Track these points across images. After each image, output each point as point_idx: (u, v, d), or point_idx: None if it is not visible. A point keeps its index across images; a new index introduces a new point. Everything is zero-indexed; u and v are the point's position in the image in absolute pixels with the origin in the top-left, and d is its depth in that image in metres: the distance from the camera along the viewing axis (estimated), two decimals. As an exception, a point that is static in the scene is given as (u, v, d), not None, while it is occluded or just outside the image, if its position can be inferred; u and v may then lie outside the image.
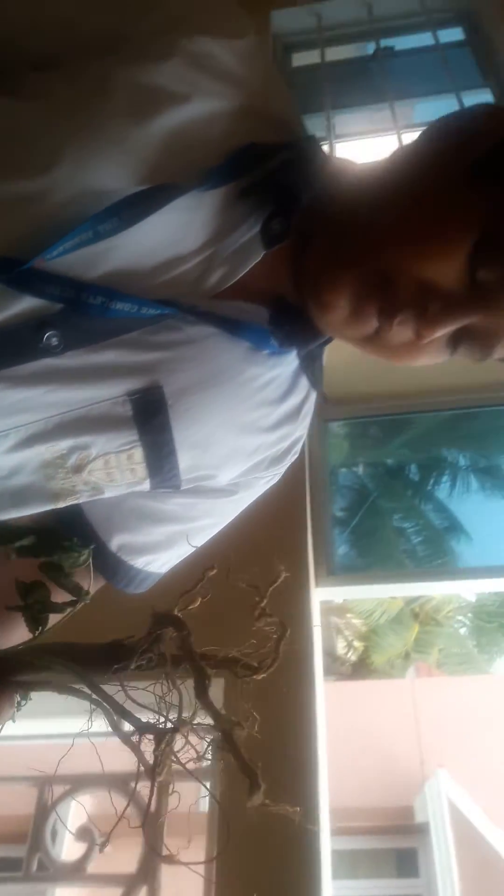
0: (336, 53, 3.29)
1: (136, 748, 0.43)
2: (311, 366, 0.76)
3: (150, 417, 0.64)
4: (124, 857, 1.61)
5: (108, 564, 0.77)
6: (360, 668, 11.34)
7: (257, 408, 0.72)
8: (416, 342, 0.59)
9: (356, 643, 11.80)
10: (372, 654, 10.96)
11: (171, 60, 0.59)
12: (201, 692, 0.45)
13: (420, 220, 0.57)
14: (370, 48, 3.26)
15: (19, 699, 0.52)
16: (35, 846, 1.57)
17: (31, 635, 0.57)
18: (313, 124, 3.12)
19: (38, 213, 0.56)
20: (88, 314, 0.58)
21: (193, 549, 0.81)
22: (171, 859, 0.41)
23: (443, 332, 0.58)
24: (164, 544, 0.79)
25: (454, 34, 3.16)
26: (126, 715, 0.45)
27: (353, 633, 11.93)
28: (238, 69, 0.62)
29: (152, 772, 0.43)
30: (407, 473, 9.81)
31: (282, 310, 0.68)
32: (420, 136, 0.65)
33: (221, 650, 0.49)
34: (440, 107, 3.04)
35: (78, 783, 1.66)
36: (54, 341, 0.58)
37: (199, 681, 0.46)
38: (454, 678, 10.43)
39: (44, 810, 1.62)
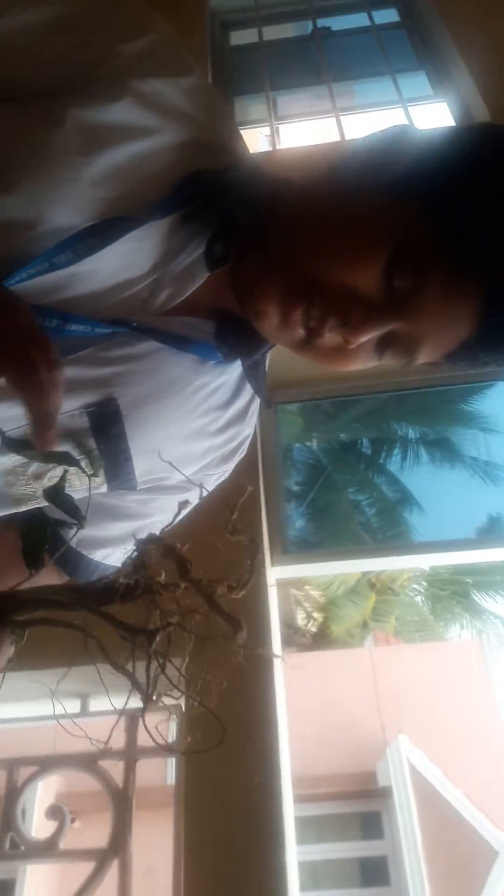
0: (274, 32, 3.29)
1: (131, 676, 0.47)
2: (254, 373, 0.80)
3: (106, 428, 0.68)
4: (94, 833, 1.66)
5: (68, 558, 0.81)
6: (320, 639, 11.55)
7: (206, 414, 0.77)
8: (344, 347, 0.63)
9: (315, 614, 12.00)
10: (331, 624, 11.17)
11: (121, 101, 0.62)
12: (184, 573, 0.49)
13: (341, 231, 0.62)
14: (308, 28, 3.28)
15: (17, 639, 0.55)
16: (6, 826, 1.61)
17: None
18: (254, 105, 3.13)
19: (1, 250, 0.59)
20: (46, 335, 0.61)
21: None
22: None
23: (367, 337, 0.62)
24: (121, 539, 0.83)
25: (390, 15, 3.19)
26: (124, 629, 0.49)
27: (312, 604, 12.12)
28: (184, 105, 0.66)
29: (145, 698, 0.47)
30: (360, 447, 9.94)
31: (227, 323, 0.72)
32: (346, 153, 0.68)
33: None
34: (378, 88, 3.07)
35: (46, 764, 1.70)
36: None
37: (181, 565, 0.50)
38: (411, 646, 10.72)
39: (13, 791, 1.65)
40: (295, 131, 3.16)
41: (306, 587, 11.92)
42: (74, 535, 0.59)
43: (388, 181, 0.62)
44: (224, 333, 0.72)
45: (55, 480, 0.70)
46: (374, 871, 7.31)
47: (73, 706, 1.89)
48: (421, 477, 9.47)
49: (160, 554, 0.52)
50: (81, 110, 0.61)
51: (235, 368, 0.78)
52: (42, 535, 0.62)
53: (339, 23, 3.27)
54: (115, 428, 0.68)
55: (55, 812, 1.65)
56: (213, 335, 0.72)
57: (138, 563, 0.52)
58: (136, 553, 0.52)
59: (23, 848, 1.65)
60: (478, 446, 9.36)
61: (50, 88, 0.62)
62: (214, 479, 0.86)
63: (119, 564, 0.86)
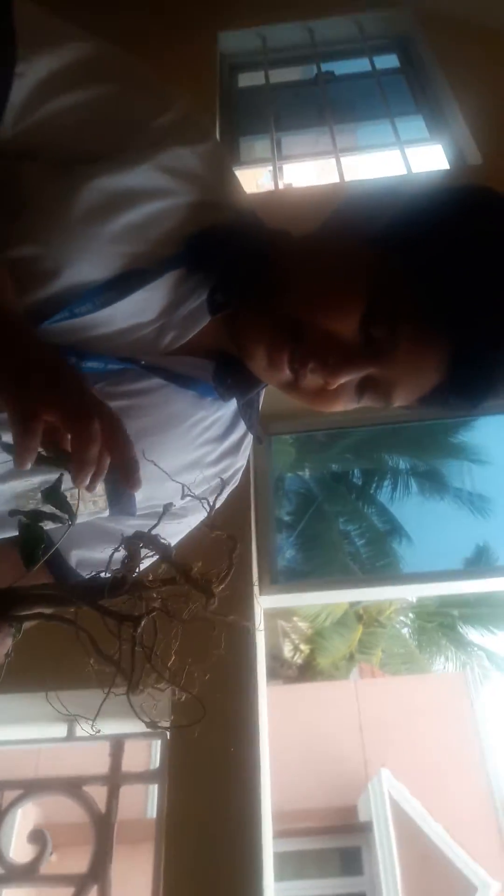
0: (280, 76, 3.40)
1: (117, 663, 0.50)
2: (248, 411, 0.86)
3: None
4: (72, 865, 1.66)
5: (67, 578, 0.85)
6: (306, 671, 11.49)
7: (202, 446, 0.83)
8: (325, 388, 0.68)
9: (302, 646, 11.95)
10: (317, 656, 11.13)
11: (142, 166, 0.68)
12: (166, 559, 0.53)
13: (325, 282, 0.68)
14: (313, 72, 3.38)
15: (15, 632, 0.58)
16: (-13, 850, 1.61)
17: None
18: (259, 145, 3.22)
19: (30, 297, 0.65)
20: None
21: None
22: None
23: (345, 379, 0.67)
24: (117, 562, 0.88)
25: (390, 61, 3.30)
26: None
27: (298, 636, 12.07)
28: (198, 168, 0.72)
29: (130, 681, 0.50)
30: (351, 478, 10.00)
31: (225, 364, 0.78)
32: (338, 207, 0.75)
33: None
34: (378, 131, 3.16)
35: (30, 787, 1.70)
36: None
37: (164, 554, 0.54)
38: (395, 678, 10.69)
39: (-3, 815, 1.66)
40: (297, 171, 3.24)
41: (294, 618, 11.88)
42: (65, 534, 0.63)
43: (371, 235, 0.68)
44: (222, 373, 0.78)
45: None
46: (353, 908, 7.22)
47: (59, 731, 1.89)
48: (410, 508, 9.55)
49: (145, 545, 0.56)
50: (107, 176, 0.66)
51: (232, 404, 0.84)
52: (39, 533, 0.65)
53: (342, 67, 3.38)
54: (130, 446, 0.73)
55: (37, 837, 1.64)
56: (211, 375, 0.78)
57: (126, 560, 0.56)
58: (123, 550, 0.56)
59: (2, 871, 1.64)
60: (466, 478, 9.45)
61: (80, 155, 0.68)
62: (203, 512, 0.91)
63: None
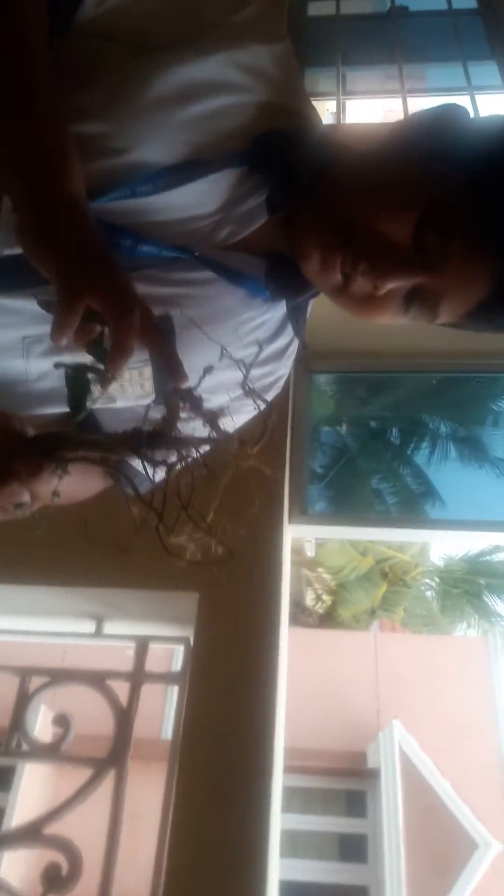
0: (352, 7, 3.31)
1: (149, 505, 0.55)
2: (296, 316, 0.88)
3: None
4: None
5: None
6: (327, 621, 11.66)
7: (249, 346, 0.84)
8: (374, 294, 0.70)
9: (325, 597, 12.10)
10: (339, 608, 11.28)
11: (217, 57, 0.70)
12: (197, 408, 0.59)
13: (384, 187, 0.69)
14: (386, 5, 3.29)
15: (61, 471, 0.63)
16: (15, 727, 1.73)
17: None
18: (324, 78, 3.16)
19: (93, 168, 0.68)
20: (119, 253, 0.70)
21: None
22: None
23: (393, 283, 0.69)
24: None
25: (468, 2, 3.19)
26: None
27: (322, 586, 12.22)
28: (271, 69, 0.74)
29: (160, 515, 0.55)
30: (388, 436, 9.93)
31: (278, 264, 0.80)
32: (401, 124, 0.76)
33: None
34: (448, 74, 3.08)
35: (57, 676, 1.82)
36: None
37: (195, 404, 0.59)
38: (415, 636, 10.79)
39: (24, 697, 1.77)
40: (362, 108, 3.18)
41: (319, 569, 12.02)
42: (107, 386, 0.67)
43: (434, 150, 0.70)
44: (273, 273, 0.80)
45: (111, 384, 0.79)
46: (354, 847, 7.45)
47: (87, 626, 2.00)
48: (447, 473, 9.45)
49: (177, 402, 0.61)
50: (182, 64, 0.69)
51: (279, 309, 0.86)
52: (85, 381, 0.70)
53: (417, 3, 3.27)
54: (168, 342, 0.77)
55: (61, 720, 1.76)
56: (263, 273, 0.80)
57: (166, 416, 0.61)
58: (163, 405, 0.61)
59: (27, 748, 1.77)
60: (508, 447, 9.29)
61: (158, 42, 0.71)
62: (249, 409, 0.95)
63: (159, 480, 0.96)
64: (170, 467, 0.61)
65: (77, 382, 0.66)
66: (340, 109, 2.97)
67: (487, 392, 8.29)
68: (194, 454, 0.61)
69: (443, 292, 0.70)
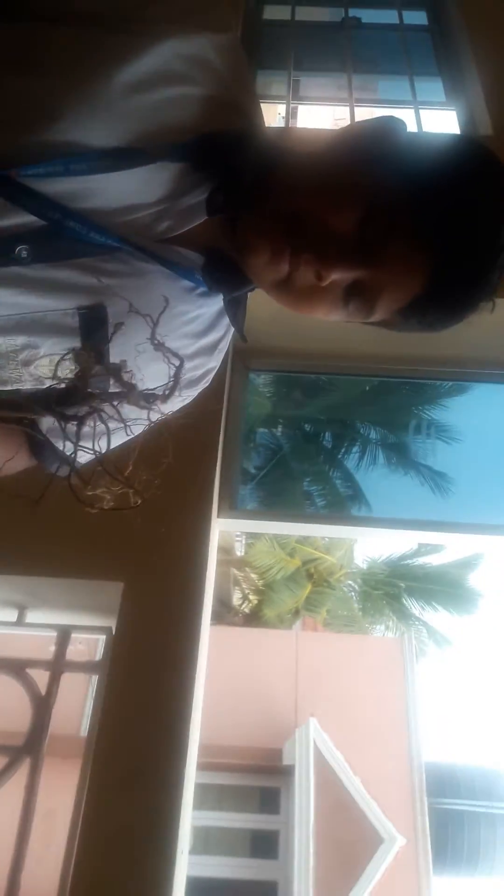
0: (307, 14, 3.35)
1: (65, 457, 0.56)
2: (234, 310, 0.90)
3: (92, 331, 0.77)
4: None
5: (38, 444, 0.91)
6: (252, 620, 11.76)
7: (181, 338, 0.86)
8: (317, 285, 0.73)
9: (251, 596, 12.19)
10: (265, 607, 11.38)
11: (163, 45, 0.70)
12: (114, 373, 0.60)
13: (329, 182, 0.73)
14: (340, 14, 3.35)
15: None
16: None
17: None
18: (276, 82, 3.19)
19: (23, 135, 0.67)
20: (59, 235, 0.70)
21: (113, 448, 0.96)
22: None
23: (337, 274, 0.72)
24: (87, 437, 0.94)
25: (419, 17, 3.28)
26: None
27: (249, 586, 12.30)
28: (217, 62, 0.75)
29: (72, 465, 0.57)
30: (321, 440, 10.07)
31: (215, 259, 0.81)
32: (341, 132, 0.79)
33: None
34: (397, 86, 3.15)
35: (-24, 663, 1.79)
36: (24, 254, 0.70)
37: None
38: (336, 635, 11.00)
39: None
40: (311, 114, 3.23)
41: (246, 569, 12.10)
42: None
43: (375, 155, 0.73)
44: (211, 268, 0.81)
45: (41, 369, 0.79)
46: (265, 843, 7.55)
47: (9, 615, 1.97)
48: (374, 478, 9.66)
49: (88, 357, 0.62)
50: (131, 51, 0.69)
51: (214, 304, 0.88)
52: None
53: (370, 16, 3.34)
54: (99, 332, 0.77)
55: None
56: (200, 267, 0.81)
57: (80, 374, 0.62)
58: (74, 361, 0.62)
59: None
60: (431, 455, 9.57)
61: (97, 15, 0.71)
62: (178, 401, 0.96)
63: (82, 461, 0.96)
64: (80, 420, 0.62)
65: None
66: (289, 114, 3.01)
67: (415, 400, 8.52)
68: (106, 409, 0.63)
69: (381, 287, 0.73)
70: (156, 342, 0.64)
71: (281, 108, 3.27)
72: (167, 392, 0.60)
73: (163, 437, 0.59)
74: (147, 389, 0.64)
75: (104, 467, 0.57)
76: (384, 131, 0.76)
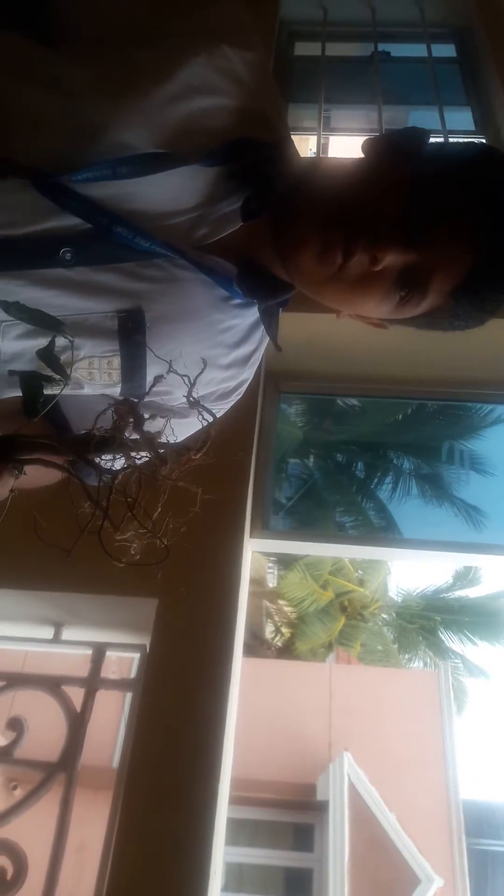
0: (336, 49, 3.45)
1: (101, 505, 0.58)
2: (268, 320, 0.92)
3: (130, 334, 0.80)
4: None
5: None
6: (284, 653, 11.63)
7: (216, 347, 0.88)
8: (370, 270, 0.74)
9: (284, 629, 12.07)
10: (297, 640, 11.26)
11: (197, 58, 0.75)
12: (138, 426, 0.62)
13: (373, 173, 0.77)
14: (369, 49, 3.43)
15: (17, 472, 0.66)
16: (-33, 730, 1.72)
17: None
18: (307, 115, 3.27)
19: (72, 142, 0.71)
20: (102, 238, 0.73)
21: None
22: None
23: (391, 256, 0.73)
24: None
25: (447, 50, 3.35)
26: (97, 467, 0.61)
27: (282, 618, 12.20)
28: (246, 76, 0.78)
29: (105, 512, 0.59)
30: (354, 470, 10.03)
31: (250, 268, 0.84)
32: (372, 142, 0.82)
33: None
34: (427, 117, 3.22)
35: (13, 680, 1.81)
36: (68, 256, 0.74)
37: (137, 421, 0.63)
38: (370, 668, 10.81)
39: (-22, 701, 1.77)
40: (342, 145, 3.29)
41: (279, 601, 12.01)
42: (61, 391, 0.71)
43: (411, 150, 0.77)
44: (246, 276, 0.84)
45: (80, 371, 0.82)
46: (299, 881, 7.37)
47: (46, 633, 2.00)
48: (408, 509, 9.56)
49: (126, 412, 0.65)
50: (162, 60, 0.74)
51: (249, 315, 0.90)
52: (39, 384, 0.73)
53: (398, 50, 3.42)
54: (137, 336, 0.80)
55: (14, 724, 1.75)
56: (236, 276, 0.83)
57: (116, 424, 0.65)
58: (112, 412, 0.65)
59: (-22, 752, 1.75)
60: (465, 487, 9.43)
61: (124, 39, 0.76)
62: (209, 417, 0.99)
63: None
64: (115, 473, 0.65)
65: (30, 385, 0.70)
66: (320, 145, 3.08)
67: (450, 430, 8.45)
68: (141, 460, 0.65)
69: (433, 268, 0.74)
70: (192, 399, 0.67)
71: (312, 141, 3.34)
72: (201, 447, 0.63)
73: (192, 484, 0.62)
74: (179, 443, 0.66)
75: (133, 514, 0.60)
76: (412, 134, 0.80)
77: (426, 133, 0.80)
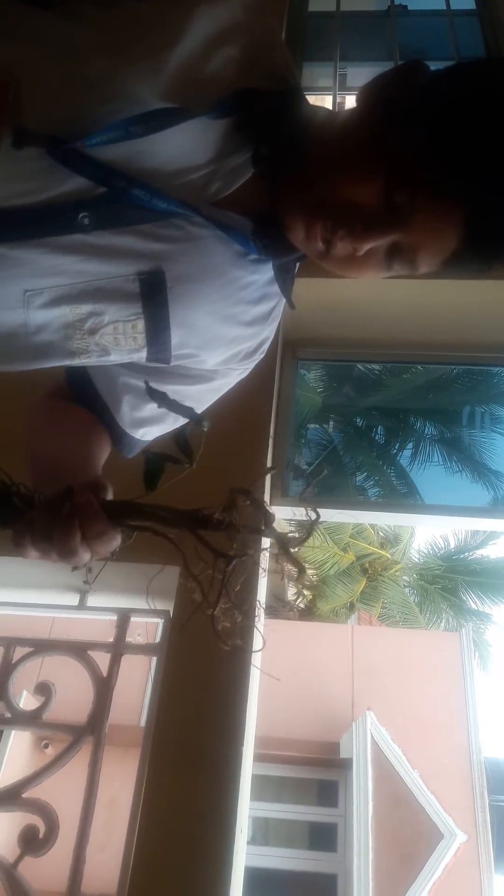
0: (351, 4, 3.35)
1: (200, 583, 0.63)
2: (283, 277, 0.91)
3: (152, 295, 0.80)
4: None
5: (116, 434, 0.97)
6: (307, 615, 11.76)
7: (237, 304, 0.88)
8: (354, 255, 0.75)
9: (306, 591, 12.18)
10: (319, 601, 11.37)
11: (197, 9, 0.74)
12: (268, 525, 0.65)
13: (348, 154, 0.74)
14: (385, 3, 3.33)
15: (128, 538, 0.71)
16: (-2, 695, 1.78)
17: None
18: (322, 74, 3.20)
19: (82, 105, 0.71)
20: (118, 201, 0.73)
21: (177, 426, 1.01)
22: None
23: (371, 244, 0.73)
24: (154, 420, 0.98)
25: (467, 2, 3.24)
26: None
27: (303, 581, 12.29)
28: (246, 22, 0.77)
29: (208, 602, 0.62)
30: (374, 434, 9.98)
31: (264, 223, 0.83)
32: (369, 87, 0.79)
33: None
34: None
35: (40, 646, 1.86)
36: (86, 220, 0.73)
37: (266, 518, 0.65)
38: (392, 629, 10.91)
39: (8, 666, 1.82)
40: (357, 103, 3.22)
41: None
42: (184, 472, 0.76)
43: (393, 108, 0.74)
44: (260, 231, 0.83)
45: (106, 337, 0.83)
46: (324, 836, 7.56)
47: (71, 599, 2.04)
48: (429, 474, 9.49)
49: (246, 500, 0.67)
50: (165, 10, 0.73)
51: (266, 271, 0.89)
52: (160, 466, 0.77)
53: (416, 3, 3.32)
54: (159, 297, 0.80)
55: (42, 689, 1.80)
56: (250, 231, 0.82)
57: (228, 506, 0.67)
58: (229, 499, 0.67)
59: (9, 716, 1.81)
60: (488, 453, 9.32)
61: None
62: (236, 375, 1.00)
63: (149, 440, 1.01)
64: (227, 558, 0.66)
65: (153, 467, 0.75)
66: (336, 106, 3.01)
67: (470, 396, 8.35)
68: (247, 548, 0.66)
69: (418, 245, 0.74)
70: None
71: (328, 101, 3.27)
72: (301, 539, 0.66)
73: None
74: (288, 532, 0.67)
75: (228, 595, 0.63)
76: (406, 76, 0.76)
77: (422, 67, 0.77)
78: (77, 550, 0.68)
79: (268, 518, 0.69)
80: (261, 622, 0.66)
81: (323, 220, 0.74)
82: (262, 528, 0.67)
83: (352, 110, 0.80)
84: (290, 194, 0.79)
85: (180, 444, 0.77)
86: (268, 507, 0.72)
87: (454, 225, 0.71)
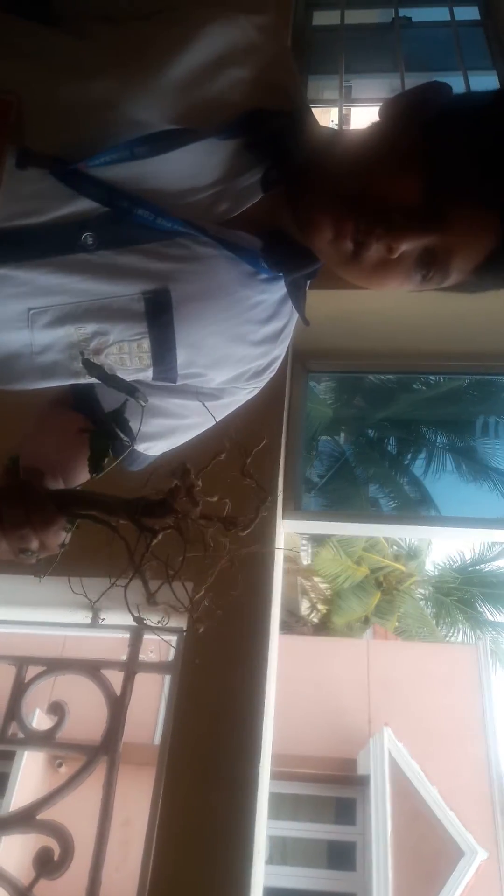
0: (356, 17, 3.36)
1: (142, 574, 0.60)
2: (295, 294, 0.90)
3: (158, 315, 0.79)
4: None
5: (122, 450, 0.95)
6: (321, 630, 11.68)
7: (246, 323, 0.87)
8: (388, 258, 0.73)
9: (320, 605, 12.11)
10: (333, 616, 11.29)
11: (207, 30, 0.73)
12: (189, 491, 0.63)
13: (386, 154, 0.73)
14: (390, 15, 3.34)
15: (70, 526, 0.71)
16: (11, 716, 1.75)
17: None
18: (327, 86, 3.21)
19: (87, 126, 0.70)
20: (122, 221, 0.72)
21: (182, 443, 0.99)
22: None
23: (408, 244, 0.71)
24: (160, 435, 0.96)
25: (471, 13, 3.24)
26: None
27: (317, 595, 12.23)
28: (257, 41, 0.77)
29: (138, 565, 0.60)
30: (386, 445, 9.95)
31: (275, 240, 0.82)
32: (388, 105, 0.79)
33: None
34: (451, 83, 3.12)
35: (53, 665, 1.84)
36: (90, 240, 0.73)
37: (188, 487, 0.63)
38: (408, 643, 10.81)
39: (20, 686, 1.79)
40: (364, 116, 3.22)
41: (314, 578, 12.04)
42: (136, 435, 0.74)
43: (428, 119, 0.73)
44: (271, 249, 0.82)
45: (111, 357, 0.82)
46: (342, 855, 7.45)
47: (84, 617, 2.02)
48: (443, 484, 9.43)
49: (175, 474, 0.67)
50: (172, 32, 0.73)
51: (276, 290, 0.88)
52: (105, 445, 0.75)
53: (420, 15, 3.32)
54: (165, 316, 0.79)
55: (55, 708, 1.78)
56: (260, 249, 0.81)
57: (168, 488, 0.65)
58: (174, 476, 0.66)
59: (22, 736, 1.79)
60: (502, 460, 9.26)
61: (131, 13, 0.75)
62: (245, 394, 0.98)
63: (155, 455, 0.99)
64: (153, 533, 0.67)
65: (97, 448, 0.73)
66: (342, 118, 3.02)
67: (482, 406, 8.30)
68: (188, 527, 0.67)
69: (453, 250, 0.73)
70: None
71: (334, 113, 3.27)
72: (250, 522, 0.65)
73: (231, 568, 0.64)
74: (234, 516, 0.68)
75: (170, 577, 0.62)
76: (431, 95, 0.76)
77: (444, 88, 0.77)
78: (28, 536, 0.69)
79: (191, 487, 0.67)
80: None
81: (356, 217, 0.72)
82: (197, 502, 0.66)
83: (376, 124, 0.79)
84: (314, 194, 0.77)
85: (117, 421, 0.74)
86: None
87: (491, 232, 0.70)
